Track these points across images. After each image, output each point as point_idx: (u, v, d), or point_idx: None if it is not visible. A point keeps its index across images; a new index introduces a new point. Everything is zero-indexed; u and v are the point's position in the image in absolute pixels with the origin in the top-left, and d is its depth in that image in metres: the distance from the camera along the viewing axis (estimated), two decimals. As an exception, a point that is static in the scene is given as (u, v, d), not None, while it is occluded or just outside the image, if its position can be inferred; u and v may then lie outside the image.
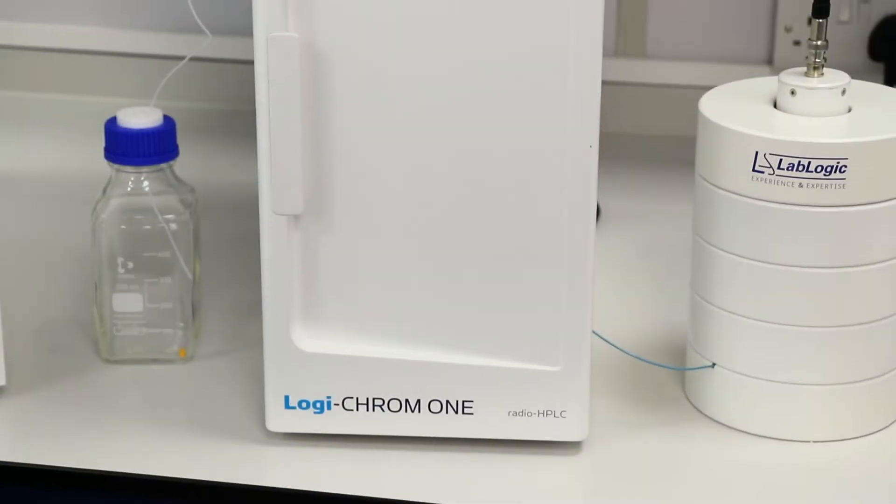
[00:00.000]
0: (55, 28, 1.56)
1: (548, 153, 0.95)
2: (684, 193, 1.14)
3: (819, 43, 1.01)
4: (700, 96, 1.05)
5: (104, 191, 1.10)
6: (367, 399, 1.00)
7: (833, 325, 1.00)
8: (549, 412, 0.99)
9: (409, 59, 0.94)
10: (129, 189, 1.09)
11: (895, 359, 1.02)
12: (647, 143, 1.48)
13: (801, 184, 0.97)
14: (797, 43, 1.44)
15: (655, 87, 1.49)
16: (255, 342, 1.10)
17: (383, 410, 1.00)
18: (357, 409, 1.00)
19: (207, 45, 1.07)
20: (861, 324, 1.00)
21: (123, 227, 1.09)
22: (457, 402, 1.00)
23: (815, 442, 1.02)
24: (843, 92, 1.00)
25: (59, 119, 1.53)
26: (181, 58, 1.07)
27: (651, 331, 1.15)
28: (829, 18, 1.01)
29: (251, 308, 1.14)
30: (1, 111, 1.55)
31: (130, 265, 1.09)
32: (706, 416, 1.05)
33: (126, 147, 1.07)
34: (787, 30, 1.44)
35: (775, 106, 1.02)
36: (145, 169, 1.08)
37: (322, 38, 0.94)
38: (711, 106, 1.03)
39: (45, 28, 1.56)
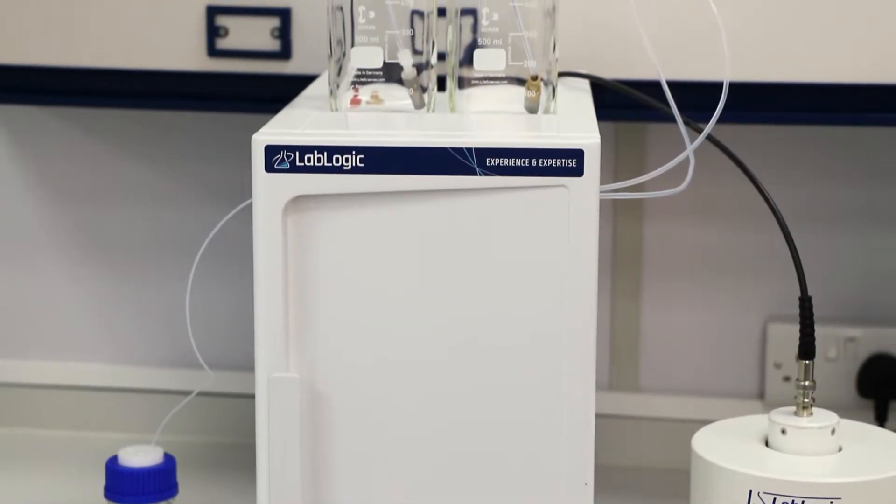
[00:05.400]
0: (57, 365, 1.58)
1: (543, 492, 0.96)
2: (680, 528, 1.14)
3: (807, 383, 1.03)
4: (693, 430, 1.06)
5: (103, 529, 1.10)
6: None
7: None
8: None
9: (406, 399, 0.96)
10: (127, 527, 1.10)
11: None
12: (642, 475, 1.48)
13: (795, 522, 0.98)
14: (787, 379, 1.46)
15: (649, 421, 1.51)
16: None
17: None
18: None
19: (210, 381, 1.09)
20: None
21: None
22: None
23: None
24: (833, 431, 1.02)
25: (62, 456, 1.53)
26: (183, 392, 1.08)
27: None
28: (816, 357, 1.04)
29: None
30: (3, 448, 1.55)
31: None
32: None
33: (126, 486, 1.08)
34: (777, 366, 1.47)
35: (767, 444, 1.04)
36: (144, 507, 1.09)
37: (322, 378, 0.96)
38: (704, 443, 1.04)
39: (47, 365, 1.58)
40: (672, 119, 1.02)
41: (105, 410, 1.56)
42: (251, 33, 1.29)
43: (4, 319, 1.58)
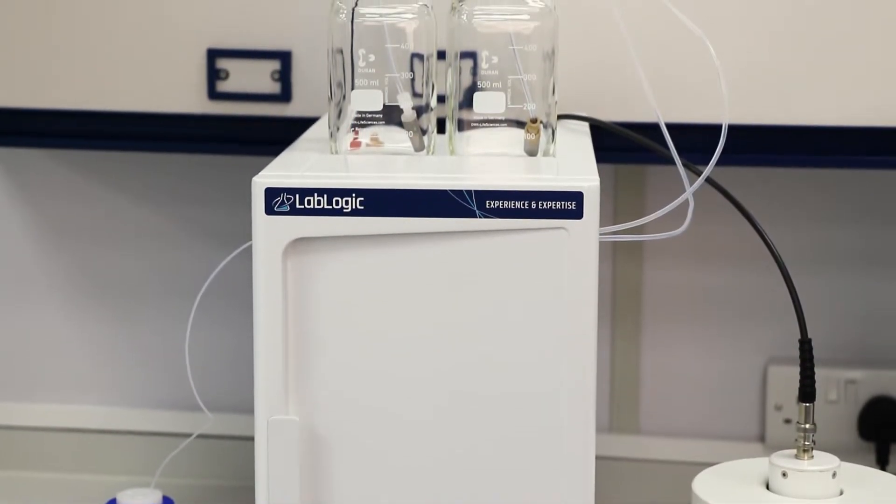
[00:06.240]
0: (56, 408, 1.58)
1: (544, 536, 0.96)
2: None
3: (807, 426, 1.03)
4: (693, 472, 1.06)
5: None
6: None
7: None
8: None
9: (405, 440, 0.96)
10: (126, 568, 1.09)
11: None
12: (643, 518, 1.48)
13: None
14: (788, 421, 1.46)
15: (649, 463, 1.50)
16: None
17: None
18: None
19: (209, 424, 1.09)
20: None
21: None
22: None
23: None
24: (834, 475, 1.02)
25: (61, 499, 1.53)
26: (183, 435, 1.08)
27: None
28: (816, 400, 1.03)
29: None
30: (2, 491, 1.55)
31: None
32: None
33: (124, 529, 1.08)
34: (778, 408, 1.47)
35: (768, 487, 1.03)
36: (142, 549, 1.09)
37: (322, 420, 0.96)
38: (705, 486, 1.04)
39: (45, 408, 1.58)
40: (671, 161, 1.02)
41: (104, 453, 1.56)
42: (251, 76, 1.30)
43: (2, 362, 1.58)
